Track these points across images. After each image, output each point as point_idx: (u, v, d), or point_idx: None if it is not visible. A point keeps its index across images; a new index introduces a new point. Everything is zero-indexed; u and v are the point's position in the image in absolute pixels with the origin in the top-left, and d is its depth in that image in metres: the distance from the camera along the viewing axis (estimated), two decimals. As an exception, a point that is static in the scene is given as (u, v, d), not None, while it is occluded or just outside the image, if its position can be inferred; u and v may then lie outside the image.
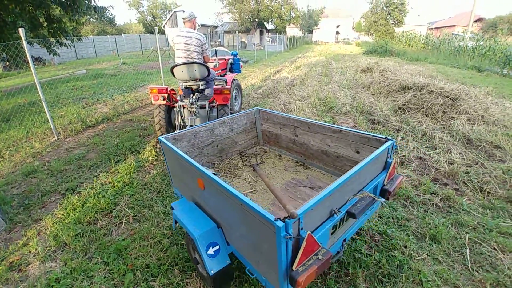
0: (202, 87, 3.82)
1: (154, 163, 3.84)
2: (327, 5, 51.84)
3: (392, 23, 34.69)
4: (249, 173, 2.66)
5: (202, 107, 3.83)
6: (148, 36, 29.76)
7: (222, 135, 2.88)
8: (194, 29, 3.90)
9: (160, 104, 4.05)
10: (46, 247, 2.34)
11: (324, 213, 1.43)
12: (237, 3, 27.99)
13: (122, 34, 29.24)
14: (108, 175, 3.48)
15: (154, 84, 8.14)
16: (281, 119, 2.82)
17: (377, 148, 1.76)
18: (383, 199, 1.82)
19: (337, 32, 54.44)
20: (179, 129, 3.66)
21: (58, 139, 4.82)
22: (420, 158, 3.65)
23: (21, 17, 6.37)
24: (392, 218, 2.51)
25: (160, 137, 2.17)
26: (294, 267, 1.19)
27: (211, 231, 1.64)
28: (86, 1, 6.60)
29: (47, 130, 5.07)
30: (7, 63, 14.07)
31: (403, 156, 3.67)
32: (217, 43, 29.32)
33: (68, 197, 3.01)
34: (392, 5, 33.93)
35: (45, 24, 7.23)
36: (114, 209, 2.82)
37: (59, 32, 7.37)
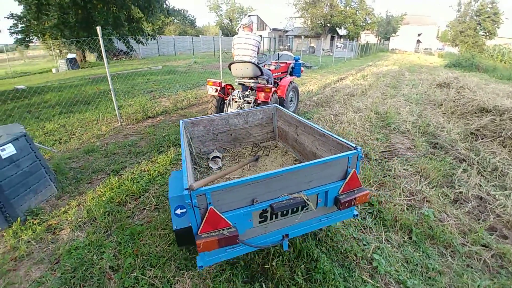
0: (252, 84, 4.23)
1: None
2: (409, 11, 47.04)
3: (482, 35, 29.74)
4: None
5: (248, 102, 4.28)
6: (224, 38, 31.73)
7: (237, 125, 3.23)
8: (252, 32, 4.52)
9: (214, 95, 4.62)
10: (79, 218, 2.66)
11: (242, 200, 1.61)
12: (310, 8, 27.66)
13: (200, 35, 31.91)
14: (148, 163, 3.79)
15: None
16: (288, 117, 2.95)
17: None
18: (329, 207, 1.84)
19: (418, 41, 49.15)
20: None
21: (121, 125, 5.48)
22: (481, 198, 2.97)
23: (107, 16, 7.56)
24: (421, 267, 2.09)
25: (181, 120, 2.74)
26: (199, 232, 1.51)
27: (182, 197, 1.65)
28: (160, 5, 7.37)
29: (115, 116, 5.81)
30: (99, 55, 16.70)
31: (460, 192, 3.04)
32: (286, 47, 29.49)
33: (110, 178, 3.38)
34: (483, 14, 29.03)
35: (126, 24, 8.39)
36: (142, 195, 3.05)
37: (137, 31, 8.44)
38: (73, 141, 4.67)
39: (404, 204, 2.79)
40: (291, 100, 5.85)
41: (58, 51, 17.70)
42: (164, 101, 7.42)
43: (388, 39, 46.33)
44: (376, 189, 3.07)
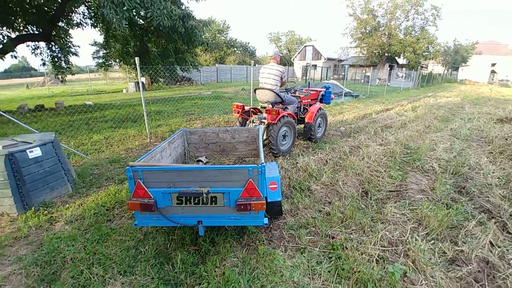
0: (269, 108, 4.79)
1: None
2: (481, 40, 41.82)
3: None
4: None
5: (262, 123, 4.89)
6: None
7: (225, 139, 3.74)
8: (277, 64, 5.08)
9: (237, 117, 5.26)
10: (73, 215, 3.11)
11: (162, 182, 2.17)
12: (366, 38, 27.14)
13: (256, 64, 34.01)
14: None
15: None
16: None
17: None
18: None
19: (493, 72, 42.88)
20: None
21: (149, 141, 6.19)
22: (487, 262, 2.41)
23: (158, 47, 8.89)
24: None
25: (182, 128, 3.52)
26: (131, 196, 2.17)
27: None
28: (198, 39, 8.35)
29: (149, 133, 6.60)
30: (162, 80, 19.06)
31: (461, 251, 2.48)
32: (341, 76, 29.13)
33: (113, 185, 3.86)
34: None
35: (173, 54, 9.68)
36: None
37: (181, 61, 9.63)
38: (107, 151, 5.46)
39: (375, 254, 2.38)
40: (319, 126, 6.07)
41: (134, 74, 20.79)
42: (196, 123, 8.10)
43: (456, 69, 41.76)
44: (350, 233, 2.73)
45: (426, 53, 27.41)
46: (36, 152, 3.32)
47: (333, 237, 2.61)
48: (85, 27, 9.21)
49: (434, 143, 6.02)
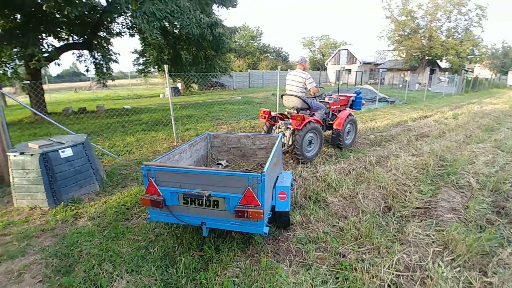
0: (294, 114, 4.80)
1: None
2: None
3: None
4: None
5: (288, 128, 4.91)
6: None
7: (246, 145, 3.77)
8: (303, 70, 5.06)
9: (264, 122, 5.34)
10: (96, 212, 3.32)
11: (170, 182, 2.32)
12: (404, 40, 25.58)
13: (289, 69, 33.89)
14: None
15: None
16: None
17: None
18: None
19: None
20: None
21: (176, 144, 6.43)
22: None
23: (189, 55, 9.29)
24: None
25: (207, 132, 3.71)
26: (145, 192, 2.37)
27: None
28: (226, 46, 8.55)
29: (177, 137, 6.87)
30: (194, 86, 19.77)
31: (489, 283, 2.15)
32: (377, 80, 27.83)
33: (136, 186, 4.06)
34: None
35: (204, 61, 10.04)
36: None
37: (210, 67, 9.95)
38: (137, 153, 5.78)
39: (387, 279, 2.15)
40: (348, 133, 5.94)
41: (171, 80, 21.95)
42: (223, 128, 8.24)
43: (505, 73, 37.53)
44: (364, 252, 2.51)
45: (471, 56, 25.05)
46: (68, 152, 3.61)
47: (343, 256, 2.44)
48: (123, 36, 9.98)
49: (474, 155, 5.44)
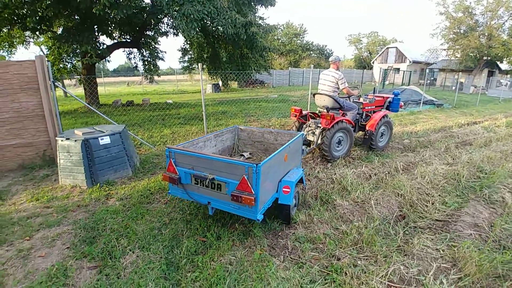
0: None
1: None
2: None
3: None
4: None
5: (318, 127, 4.98)
6: (354, 71, 31.32)
7: (268, 140, 3.99)
8: (337, 69, 5.05)
9: (294, 120, 5.45)
10: (124, 194, 3.77)
11: (185, 164, 2.73)
12: (460, 39, 22.96)
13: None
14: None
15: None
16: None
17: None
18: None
19: None
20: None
21: (205, 138, 6.82)
22: None
23: (226, 52, 9.70)
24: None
25: (235, 125, 4.13)
26: (166, 170, 2.86)
27: None
28: (258, 45, 8.69)
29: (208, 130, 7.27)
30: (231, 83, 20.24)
31: None
32: (428, 81, 25.59)
33: (162, 174, 4.46)
34: None
35: (239, 60, 10.36)
36: (168, 190, 3.88)
37: (245, 65, 10.22)
38: (171, 144, 6.28)
39: None
40: (381, 135, 5.83)
41: (214, 77, 23.06)
42: (253, 124, 8.46)
43: None
44: (360, 258, 2.47)
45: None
46: (106, 140, 4.13)
47: (338, 259, 2.46)
48: (168, 35, 10.76)
49: (522, 169, 4.84)
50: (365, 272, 2.28)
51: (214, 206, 2.66)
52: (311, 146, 5.00)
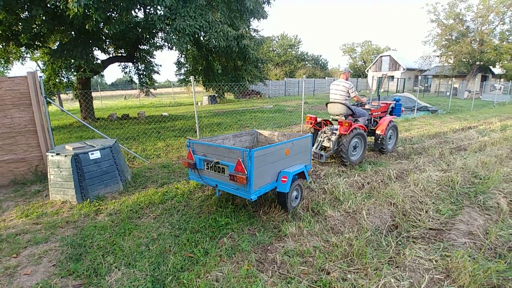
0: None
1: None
2: None
3: None
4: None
5: (334, 133, 5.30)
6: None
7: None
8: (346, 79, 5.42)
9: (310, 127, 5.76)
10: (114, 209, 3.71)
11: (200, 152, 3.44)
12: (451, 45, 23.42)
13: (326, 77, 33.19)
14: (183, 184, 4.60)
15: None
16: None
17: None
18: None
19: None
20: (316, 147, 5.40)
21: (199, 149, 6.80)
22: None
23: (219, 65, 9.84)
24: None
25: (254, 129, 4.67)
26: (186, 157, 3.60)
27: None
28: (250, 57, 8.82)
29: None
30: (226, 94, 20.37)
31: None
32: (422, 88, 25.90)
33: (153, 188, 4.41)
34: None
35: (232, 71, 10.49)
36: (157, 205, 3.83)
37: (239, 77, 10.34)
38: (164, 157, 6.25)
39: None
40: (389, 138, 6.25)
41: (210, 89, 23.28)
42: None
43: None
44: (350, 271, 2.41)
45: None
46: (96, 155, 4.10)
47: (328, 273, 2.40)
48: (163, 49, 10.92)
49: (516, 174, 4.84)
50: (354, 287, 2.22)
51: (220, 188, 3.22)
52: (329, 152, 5.26)
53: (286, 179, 3.16)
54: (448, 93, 23.22)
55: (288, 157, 3.38)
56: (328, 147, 5.37)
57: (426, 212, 3.58)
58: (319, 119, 5.77)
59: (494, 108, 15.89)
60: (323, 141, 5.41)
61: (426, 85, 27.93)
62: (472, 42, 23.06)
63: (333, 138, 5.24)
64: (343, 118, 5.31)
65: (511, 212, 3.55)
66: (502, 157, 5.75)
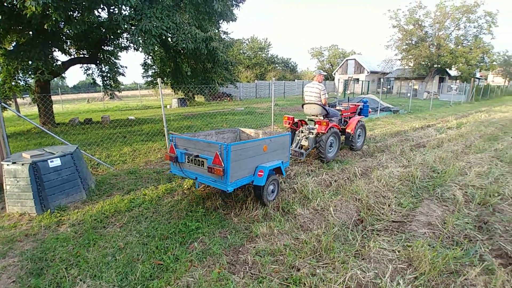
0: (316, 120, 5.66)
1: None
2: None
3: None
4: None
5: (311, 133, 5.60)
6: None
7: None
8: (320, 82, 5.74)
9: (288, 127, 6.04)
10: (77, 219, 3.49)
11: (181, 145, 3.63)
12: (411, 49, 25.39)
13: (296, 80, 34.12)
14: (152, 189, 4.45)
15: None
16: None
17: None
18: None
19: None
20: (295, 146, 5.64)
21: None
22: None
23: (187, 67, 9.69)
24: None
25: (237, 127, 4.89)
26: (168, 152, 3.78)
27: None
28: (220, 59, 8.85)
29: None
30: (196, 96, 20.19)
31: None
32: (385, 89, 27.57)
33: (119, 195, 4.21)
34: None
35: (201, 73, 10.41)
36: (123, 213, 3.67)
37: (208, 79, 10.29)
38: (130, 163, 5.99)
39: None
40: (359, 136, 6.70)
41: (179, 92, 22.73)
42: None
43: None
44: (319, 266, 2.49)
45: (481, 64, 24.55)
46: (56, 162, 3.84)
47: (298, 269, 2.47)
48: (128, 50, 10.49)
49: (469, 166, 5.35)
50: (323, 281, 2.31)
51: (199, 181, 3.35)
52: (308, 150, 5.53)
53: (262, 173, 3.33)
54: (409, 94, 24.97)
55: (265, 153, 3.57)
56: (305, 146, 5.69)
57: (389, 206, 3.82)
58: (296, 119, 6.04)
59: (450, 108, 17.37)
60: (301, 140, 5.71)
61: (388, 87, 29.83)
62: (430, 46, 25.08)
63: (311, 137, 5.58)
64: (321, 118, 5.65)
65: (466, 203, 3.89)
66: (457, 152, 6.30)
